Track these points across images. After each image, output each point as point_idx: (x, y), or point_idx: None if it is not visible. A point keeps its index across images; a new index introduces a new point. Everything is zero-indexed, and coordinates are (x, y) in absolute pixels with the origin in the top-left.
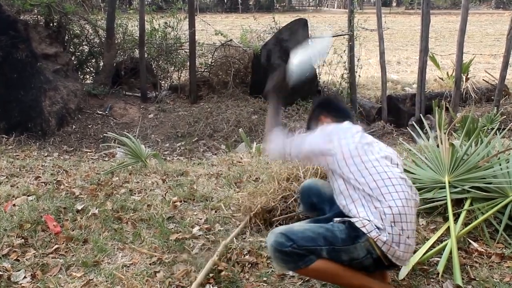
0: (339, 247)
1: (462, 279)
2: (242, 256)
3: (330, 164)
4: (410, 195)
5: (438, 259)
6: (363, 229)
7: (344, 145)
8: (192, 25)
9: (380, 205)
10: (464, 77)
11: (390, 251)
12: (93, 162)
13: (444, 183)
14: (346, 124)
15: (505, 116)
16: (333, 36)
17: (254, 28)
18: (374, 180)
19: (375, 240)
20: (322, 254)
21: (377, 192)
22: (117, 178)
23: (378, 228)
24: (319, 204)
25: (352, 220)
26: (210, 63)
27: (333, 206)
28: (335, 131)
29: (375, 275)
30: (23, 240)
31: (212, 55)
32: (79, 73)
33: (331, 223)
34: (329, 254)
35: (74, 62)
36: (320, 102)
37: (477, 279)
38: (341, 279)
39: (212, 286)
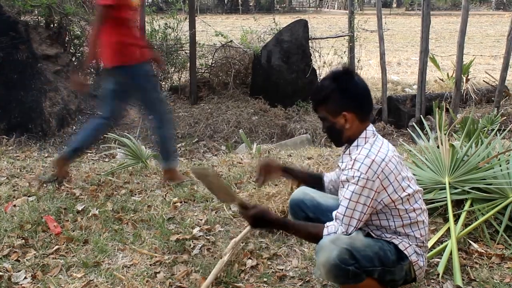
0: (388, 268)
1: (462, 280)
2: (243, 257)
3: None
4: (428, 221)
5: (439, 260)
6: (405, 252)
7: (390, 191)
8: (192, 26)
9: (412, 231)
10: (464, 78)
11: (420, 275)
12: (93, 163)
13: (445, 184)
14: (381, 154)
15: (505, 117)
16: (334, 37)
17: (255, 29)
18: (415, 209)
19: (414, 264)
20: (373, 274)
21: (413, 221)
22: (118, 179)
23: (416, 252)
24: (315, 215)
25: (395, 242)
26: (210, 64)
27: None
28: (377, 174)
29: None
30: (23, 240)
31: (213, 56)
32: (80, 74)
33: (378, 239)
34: (378, 274)
35: (75, 63)
36: (344, 88)
37: (477, 280)
38: None
39: (212, 286)
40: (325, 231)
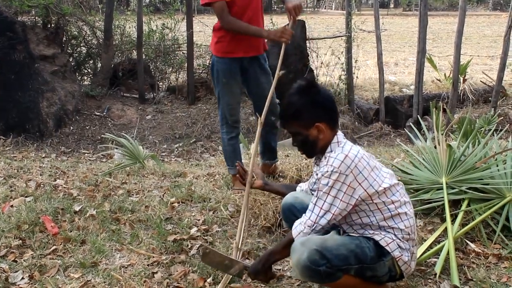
0: (367, 265)
1: (460, 279)
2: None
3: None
4: (413, 213)
5: (436, 259)
6: (387, 248)
7: (366, 186)
8: (190, 26)
9: (395, 223)
10: (461, 79)
11: (407, 270)
12: (91, 164)
13: (442, 184)
14: (354, 151)
15: (502, 117)
16: (331, 38)
17: None
18: (393, 202)
19: (397, 259)
20: (350, 272)
21: (394, 213)
22: (115, 179)
23: (400, 247)
24: None
25: (376, 238)
26: (208, 64)
27: None
28: (353, 177)
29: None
30: (21, 241)
31: (210, 57)
32: (77, 74)
33: (356, 236)
34: (356, 272)
35: (72, 64)
36: (314, 100)
37: (474, 279)
38: None
39: (210, 286)
40: (294, 232)
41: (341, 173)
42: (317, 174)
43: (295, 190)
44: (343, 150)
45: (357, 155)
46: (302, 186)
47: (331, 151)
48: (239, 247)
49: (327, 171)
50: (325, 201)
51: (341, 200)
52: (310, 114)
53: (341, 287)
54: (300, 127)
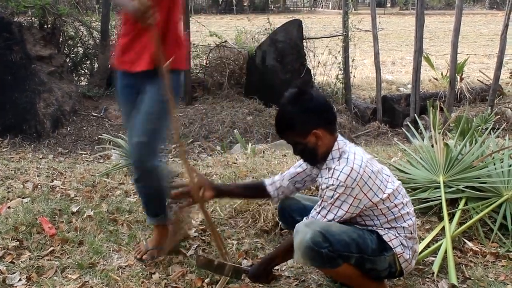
0: (367, 257)
1: (457, 278)
2: (238, 258)
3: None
4: (413, 211)
5: (433, 258)
6: (390, 243)
7: (371, 196)
8: (186, 26)
9: (398, 224)
10: (458, 77)
11: (407, 268)
12: (88, 164)
13: (439, 183)
14: (358, 162)
15: (499, 116)
16: (328, 37)
17: (249, 29)
18: (396, 205)
19: (398, 256)
20: (350, 260)
21: (398, 215)
22: (112, 180)
23: (402, 244)
24: (301, 218)
25: (380, 232)
26: (205, 64)
27: None
28: (359, 187)
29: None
30: (18, 242)
31: (207, 57)
32: (74, 75)
33: (361, 228)
34: (356, 261)
35: (69, 64)
36: (307, 107)
37: (472, 278)
38: (358, 284)
39: (207, 286)
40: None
41: (347, 186)
42: (317, 176)
43: (262, 187)
44: (347, 162)
45: (361, 166)
46: (276, 180)
47: (333, 159)
48: (226, 257)
49: (333, 185)
50: (329, 211)
51: (346, 211)
52: (304, 122)
53: (339, 275)
54: (297, 136)
